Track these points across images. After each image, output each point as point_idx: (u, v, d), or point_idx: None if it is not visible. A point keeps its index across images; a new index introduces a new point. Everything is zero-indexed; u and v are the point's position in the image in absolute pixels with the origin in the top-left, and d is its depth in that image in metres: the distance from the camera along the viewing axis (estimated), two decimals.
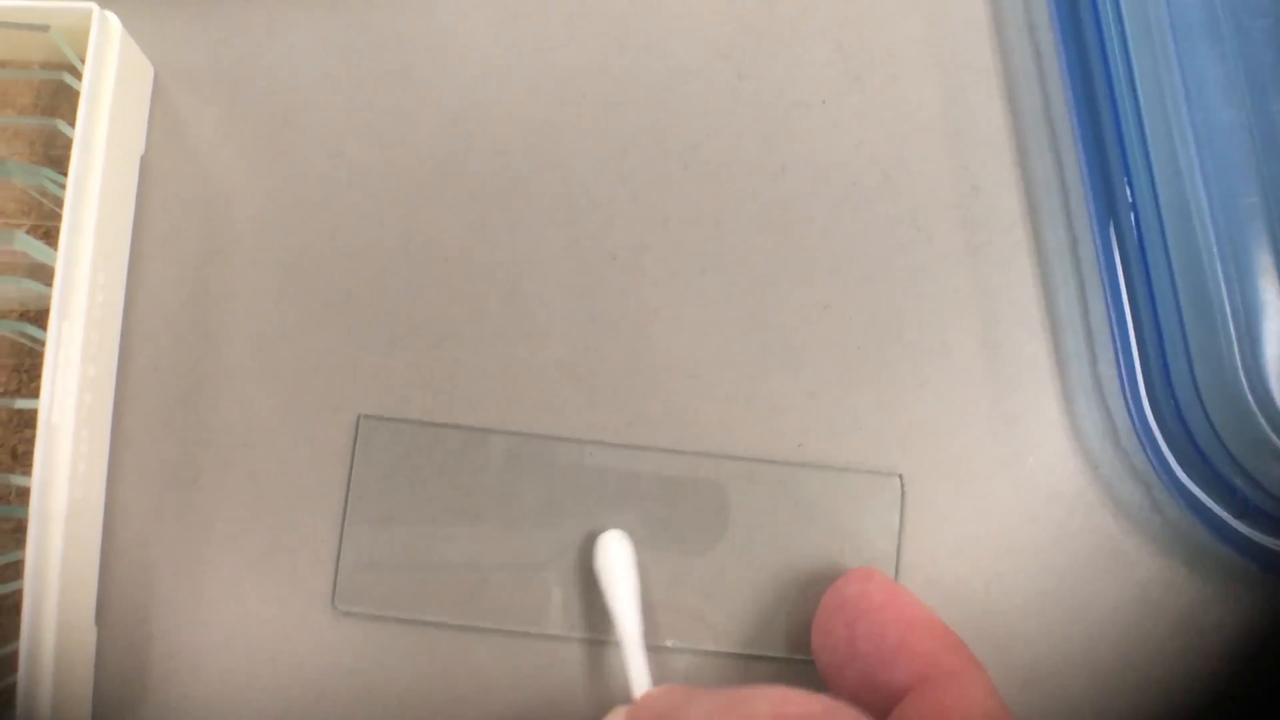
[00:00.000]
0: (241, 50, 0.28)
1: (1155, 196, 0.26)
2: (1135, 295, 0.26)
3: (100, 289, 0.25)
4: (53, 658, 0.23)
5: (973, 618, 0.26)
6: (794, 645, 0.26)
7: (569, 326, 0.27)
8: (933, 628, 0.22)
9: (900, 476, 0.26)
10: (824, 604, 0.24)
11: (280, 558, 0.26)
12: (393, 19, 0.28)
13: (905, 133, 0.28)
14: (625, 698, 0.23)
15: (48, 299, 0.23)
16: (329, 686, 0.26)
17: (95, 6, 0.24)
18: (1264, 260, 0.25)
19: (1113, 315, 0.26)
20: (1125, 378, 0.26)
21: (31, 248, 0.23)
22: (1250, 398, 0.25)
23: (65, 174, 0.24)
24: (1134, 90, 0.26)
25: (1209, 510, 0.25)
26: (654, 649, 0.25)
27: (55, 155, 0.27)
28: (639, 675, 0.23)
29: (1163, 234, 0.25)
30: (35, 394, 0.23)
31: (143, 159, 0.27)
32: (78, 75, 0.24)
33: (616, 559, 0.25)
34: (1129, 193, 0.26)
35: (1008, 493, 0.27)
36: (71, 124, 0.24)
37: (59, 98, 0.27)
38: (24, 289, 0.24)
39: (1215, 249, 0.25)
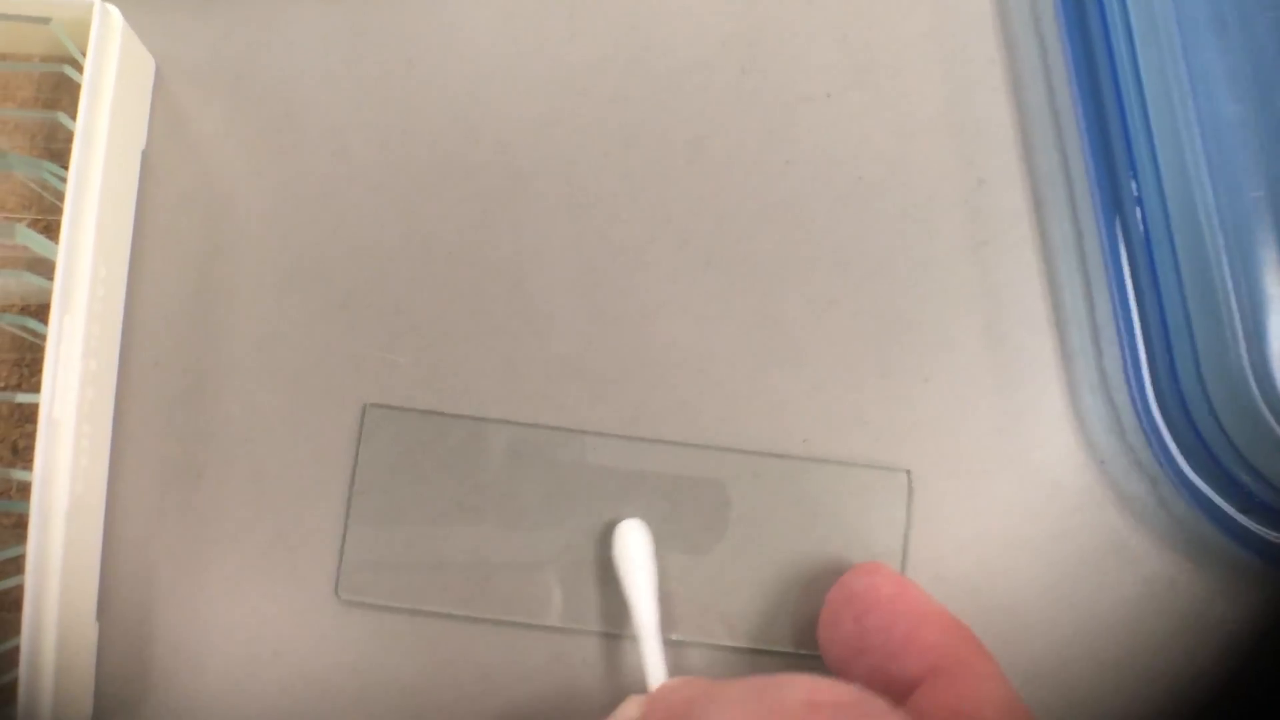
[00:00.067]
0: (243, 44, 0.28)
1: (1161, 191, 0.25)
2: (1141, 290, 0.26)
3: (101, 283, 0.25)
4: (54, 654, 0.23)
5: (977, 612, 0.26)
6: (800, 640, 0.26)
7: (573, 321, 0.27)
8: (942, 619, 0.22)
9: (908, 472, 0.26)
10: (831, 598, 0.24)
11: (283, 553, 0.26)
12: (395, 14, 0.28)
13: (910, 127, 0.28)
14: (631, 690, 0.23)
15: (49, 293, 0.23)
16: (332, 682, 0.26)
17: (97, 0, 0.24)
18: (1269, 255, 0.25)
19: (1118, 310, 0.26)
20: (1131, 372, 0.26)
21: (33, 241, 0.23)
22: (1256, 392, 0.25)
23: (66, 167, 0.23)
24: (1139, 84, 0.26)
25: (1214, 505, 0.25)
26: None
27: (56, 149, 0.27)
28: (655, 666, 0.23)
29: (1168, 228, 0.25)
30: (36, 388, 0.23)
31: (144, 153, 0.27)
32: (79, 68, 0.24)
33: (635, 547, 0.24)
34: (1134, 187, 0.26)
35: (1013, 487, 0.27)
36: (73, 117, 0.24)
37: (60, 91, 0.27)
38: (25, 283, 0.24)
39: (1221, 243, 0.25)
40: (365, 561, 0.26)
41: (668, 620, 0.25)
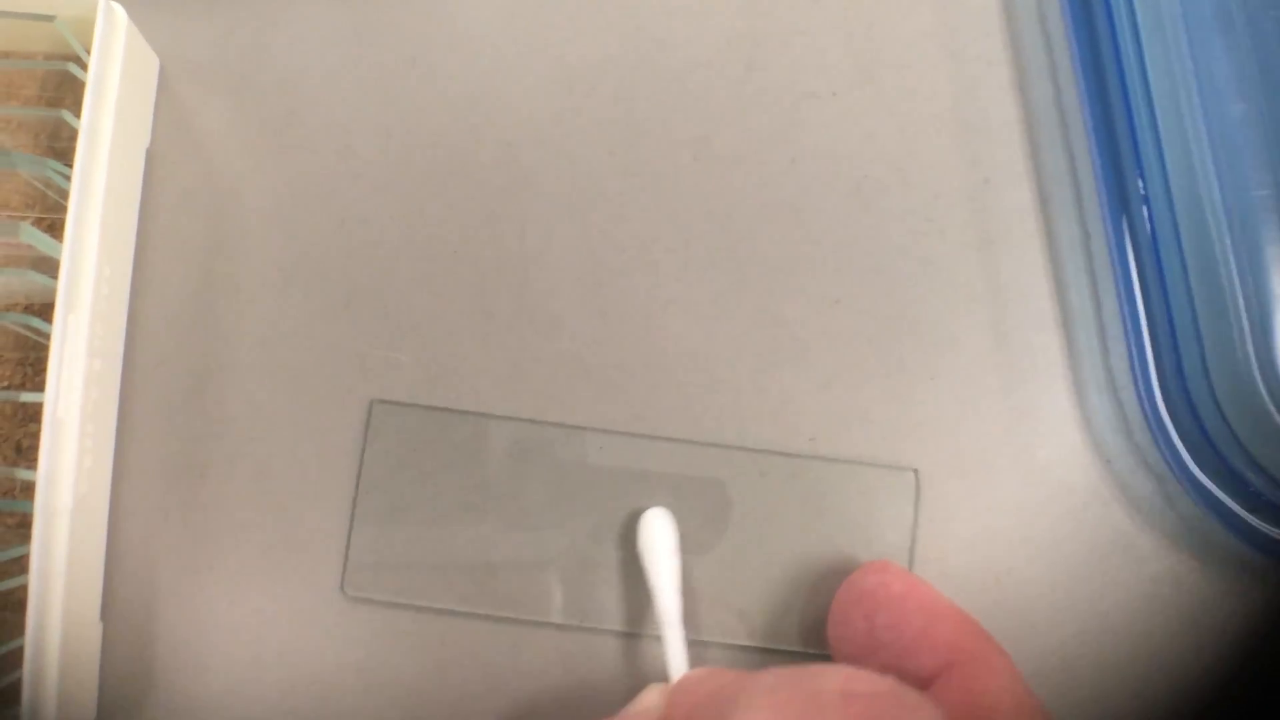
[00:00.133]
0: (247, 42, 0.28)
1: (1168, 189, 0.25)
2: (1148, 288, 0.26)
3: (105, 281, 0.25)
4: (58, 653, 0.23)
5: (984, 610, 0.26)
6: (808, 638, 0.25)
7: (578, 319, 0.27)
8: (954, 616, 0.22)
9: (916, 471, 0.26)
10: (840, 597, 0.24)
11: (287, 551, 0.26)
12: (400, 10, 0.28)
13: (916, 125, 0.28)
14: (637, 688, 0.23)
15: (53, 291, 0.23)
16: (336, 681, 0.25)
17: None
18: (1276, 253, 0.25)
19: (1125, 308, 0.26)
20: (1138, 371, 0.26)
21: (37, 240, 0.23)
22: (1263, 390, 0.24)
23: (70, 165, 0.23)
24: (1146, 83, 0.26)
25: (1222, 504, 0.25)
26: None
27: (60, 147, 0.26)
28: (677, 656, 0.23)
29: (1175, 227, 0.25)
30: (40, 387, 0.23)
31: (148, 151, 0.27)
32: (83, 66, 0.24)
33: (660, 536, 0.24)
34: (1141, 185, 0.26)
35: (1019, 486, 0.27)
36: (77, 115, 0.24)
37: (64, 89, 0.27)
38: (29, 281, 0.24)
39: (1228, 242, 0.25)
40: (371, 558, 0.26)
41: None
